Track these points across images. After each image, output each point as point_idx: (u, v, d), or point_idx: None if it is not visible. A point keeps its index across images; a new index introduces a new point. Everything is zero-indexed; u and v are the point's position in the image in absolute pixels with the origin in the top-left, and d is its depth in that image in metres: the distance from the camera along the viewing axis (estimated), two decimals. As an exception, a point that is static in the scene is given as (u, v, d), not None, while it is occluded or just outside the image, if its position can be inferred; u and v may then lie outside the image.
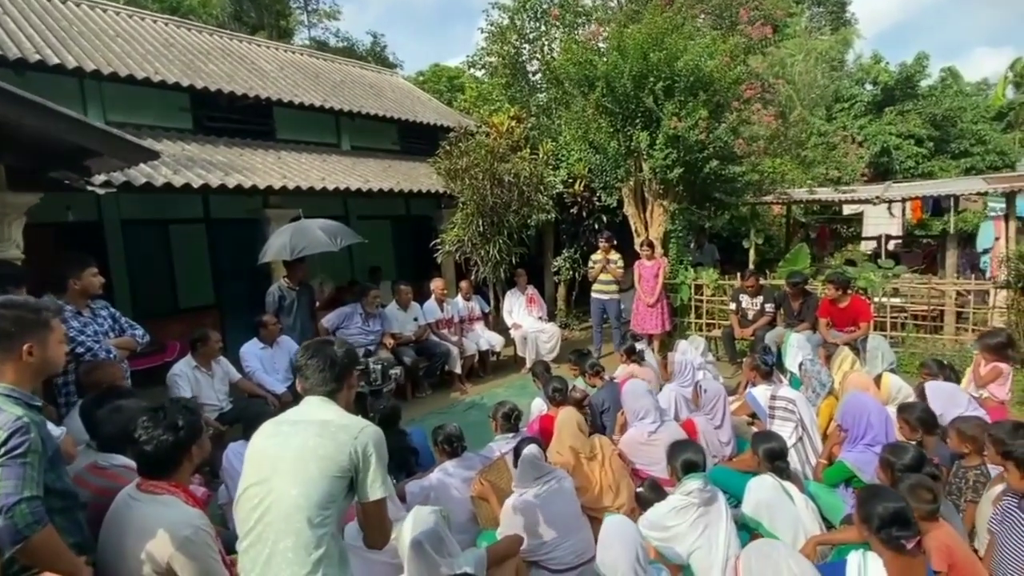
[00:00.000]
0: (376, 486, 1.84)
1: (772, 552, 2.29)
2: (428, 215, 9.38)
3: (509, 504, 3.10)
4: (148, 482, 2.23)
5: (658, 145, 7.00)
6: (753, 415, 4.61)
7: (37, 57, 6.73)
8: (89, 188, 5.27)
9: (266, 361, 5.56)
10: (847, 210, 14.37)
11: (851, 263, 8.88)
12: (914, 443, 3.24)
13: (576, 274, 9.27)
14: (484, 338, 7.40)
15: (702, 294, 7.67)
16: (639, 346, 5.76)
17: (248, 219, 7.54)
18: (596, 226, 8.75)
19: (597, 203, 8.71)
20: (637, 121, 7.23)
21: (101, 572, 2.16)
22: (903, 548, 2.26)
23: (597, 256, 7.56)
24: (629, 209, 7.97)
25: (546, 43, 9.63)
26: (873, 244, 13.00)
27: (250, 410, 4.74)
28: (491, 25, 10.24)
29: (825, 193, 11.17)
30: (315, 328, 6.35)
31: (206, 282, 8.96)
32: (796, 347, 5.32)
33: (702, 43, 7.05)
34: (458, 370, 6.93)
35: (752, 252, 11.28)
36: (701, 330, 7.62)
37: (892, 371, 4.81)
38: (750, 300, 6.69)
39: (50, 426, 2.26)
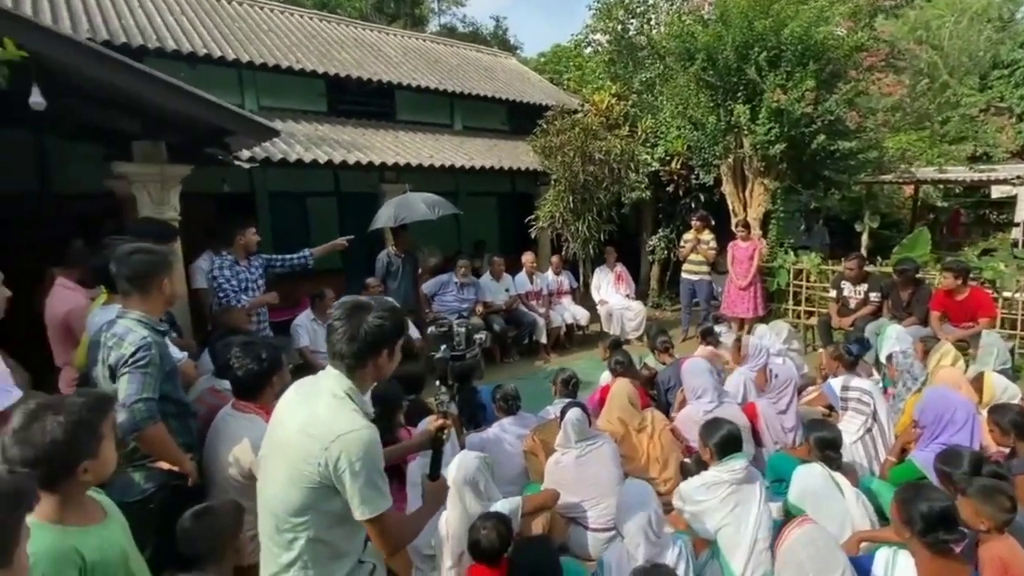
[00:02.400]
0: (358, 504, 1.51)
1: (817, 539, 2.21)
2: (530, 192, 9.56)
3: (551, 461, 3.25)
4: (240, 402, 2.68)
5: (760, 119, 6.55)
6: (830, 406, 4.31)
7: (205, 51, 7.73)
8: (236, 163, 6.09)
9: (371, 319, 6.10)
10: (996, 193, 12.28)
11: (989, 252, 7.73)
12: (1007, 449, 2.90)
13: (671, 254, 8.98)
14: (570, 312, 7.48)
15: (803, 279, 7.12)
16: (720, 329, 5.56)
17: (369, 193, 8.20)
18: (692, 205, 8.39)
19: (694, 181, 8.33)
20: (739, 95, 6.80)
21: (203, 471, 2.63)
22: (949, 552, 2.08)
23: (689, 236, 7.30)
24: (727, 187, 7.57)
25: (652, 17, 9.25)
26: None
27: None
28: (599, 1, 10.00)
29: (958, 172, 9.67)
30: (417, 293, 6.83)
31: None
32: (893, 339, 4.83)
33: (815, 7, 6.40)
34: (544, 340, 7.11)
35: (865, 236, 10.12)
36: (799, 317, 7.10)
37: (1004, 372, 4.24)
38: (852, 288, 6.11)
39: (173, 350, 2.76)
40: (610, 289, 7.71)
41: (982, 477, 2.40)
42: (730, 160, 7.33)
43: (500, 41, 22.90)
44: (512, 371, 6.72)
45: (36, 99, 3.55)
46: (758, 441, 3.88)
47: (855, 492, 2.85)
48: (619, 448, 3.56)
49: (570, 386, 3.96)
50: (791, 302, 7.23)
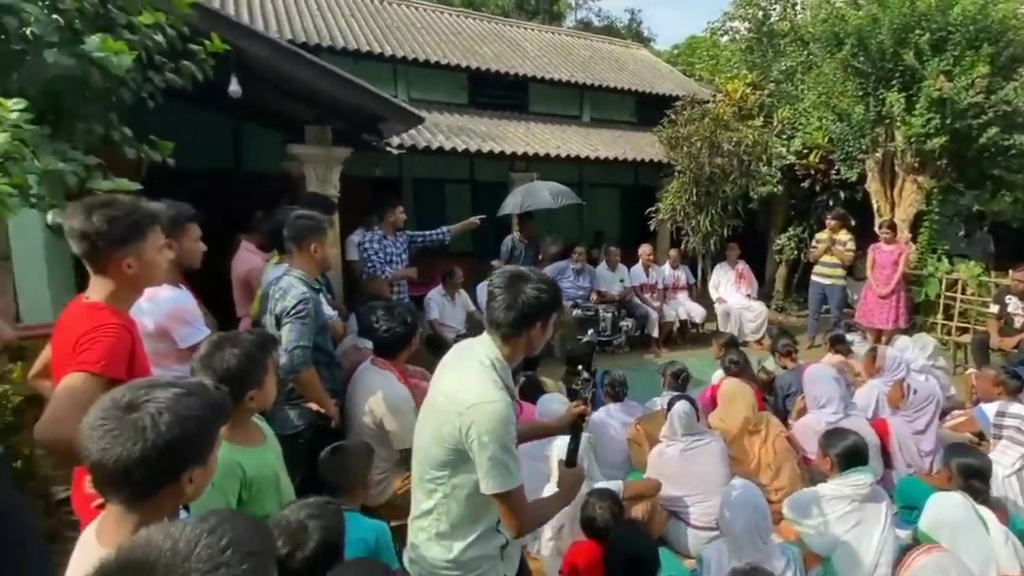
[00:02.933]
0: (483, 475, 1.45)
1: (949, 568, 1.94)
2: (653, 185, 9.21)
3: (655, 451, 3.14)
4: (378, 359, 2.89)
5: (917, 109, 5.68)
6: (980, 434, 3.71)
7: (367, 48, 8.33)
8: (388, 148, 6.52)
9: (495, 299, 6.27)
10: None
11: None
12: None
13: (802, 255, 8.18)
14: (685, 307, 7.13)
15: (957, 291, 6.13)
16: (853, 337, 4.99)
17: (499, 182, 8.41)
18: (830, 202, 7.54)
19: (834, 177, 7.46)
20: (892, 82, 5.95)
21: (344, 416, 2.89)
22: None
23: (823, 235, 6.58)
24: (872, 185, 6.70)
25: (798, 1, 8.37)
26: None
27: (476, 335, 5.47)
28: (740, -13, 9.27)
29: None
30: (537, 277, 6.89)
31: (468, 232, 10.26)
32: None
33: (996, -20, 5.42)
34: (655, 334, 6.86)
35: None
36: (949, 334, 6.15)
37: None
38: (1019, 303, 5.17)
39: (325, 308, 3.04)
40: (730, 287, 7.23)
41: None
42: (878, 155, 6.47)
43: (634, 34, 22.13)
44: (622, 361, 6.56)
45: (234, 88, 4.06)
46: (887, 462, 3.45)
47: (1004, 531, 2.43)
48: (728, 449, 3.36)
49: (680, 379, 3.79)
50: (940, 316, 6.27)
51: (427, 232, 5.31)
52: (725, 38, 10.43)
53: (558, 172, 8.83)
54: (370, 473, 2.17)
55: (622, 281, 6.98)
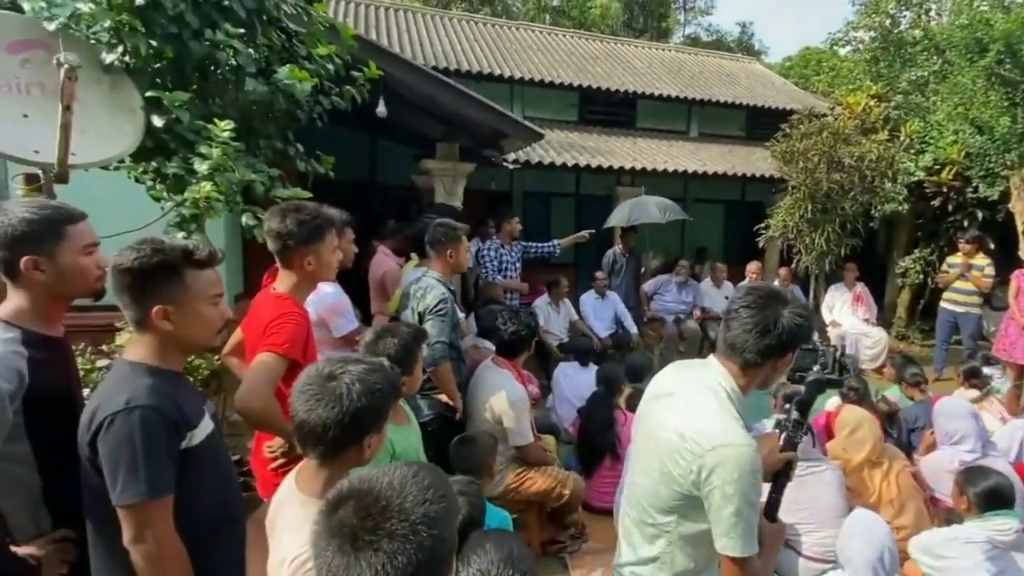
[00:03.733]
0: (720, 534, 1.22)
1: None
2: (761, 201, 8.67)
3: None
4: (499, 358, 2.99)
5: (1074, 122, 4.87)
6: None
7: (488, 70, 8.64)
8: (505, 164, 6.71)
9: (597, 309, 6.20)
10: None
11: None
12: None
13: (928, 279, 7.27)
14: (794, 327, 6.62)
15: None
16: (991, 371, 4.37)
17: (604, 196, 8.36)
18: (965, 223, 6.61)
19: (971, 195, 6.55)
20: (1045, 91, 5.14)
21: (466, 409, 3.00)
22: None
23: (956, 259, 5.81)
24: (1017, 204, 5.82)
25: (934, 6, 7.47)
26: None
27: (577, 343, 5.44)
28: (865, -5, 8.44)
29: None
30: (637, 291, 6.76)
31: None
32: None
33: None
34: (759, 351, 6.45)
35: None
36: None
37: None
38: None
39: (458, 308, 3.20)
40: (846, 310, 6.60)
41: None
42: (1024, 171, 5.63)
43: (745, 47, 20.98)
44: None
45: (382, 109, 4.41)
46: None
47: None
48: (847, 480, 3.08)
49: (792, 402, 3.52)
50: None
51: (539, 244, 5.41)
52: (847, 49, 9.55)
53: (663, 186, 8.59)
54: (494, 463, 2.24)
55: (727, 298, 6.63)
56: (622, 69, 10.06)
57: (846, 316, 6.52)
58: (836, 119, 6.92)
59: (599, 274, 6.30)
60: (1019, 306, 5.32)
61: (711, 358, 1.38)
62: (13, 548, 1.31)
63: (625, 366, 4.27)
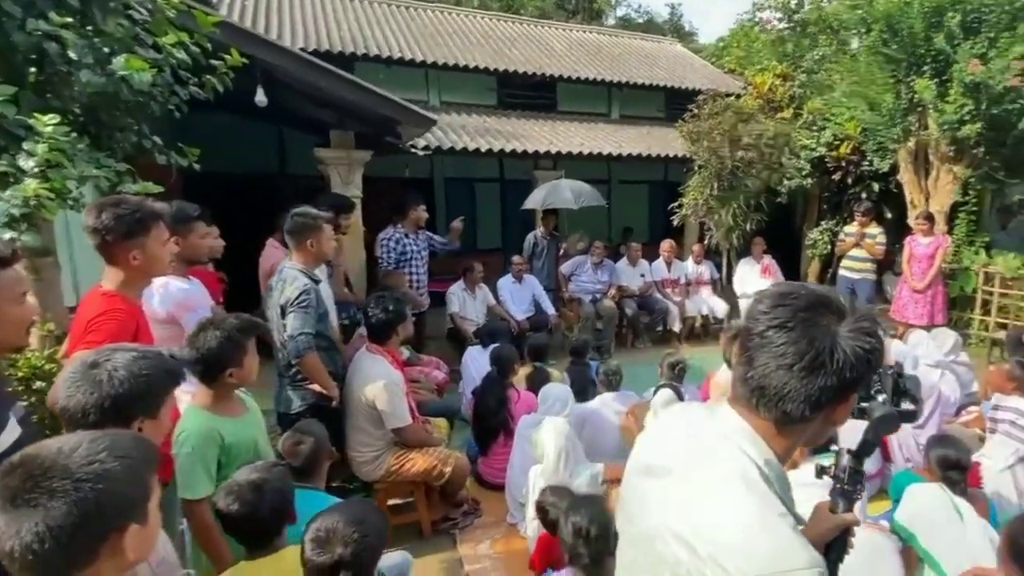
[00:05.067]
0: None
1: (865, 545, 1.96)
2: (682, 180, 9.11)
3: (640, 437, 3.20)
4: (371, 344, 3.10)
5: (950, 96, 5.42)
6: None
7: (399, 55, 8.63)
8: (413, 150, 6.77)
9: (514, 293, 6.40)
10: None
11: None
12: None
13: (834, 249, 7.89)
14: (708, 303, 7.05)
15: (995, 284, 5.78)
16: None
17: (527, 180, 8.55)
18: (863, 195, 7.23)
19: (866, 168, 7.15)
20: (924, 68, 5.69)
21: (344, 397, 3.10)
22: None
23: (851, 228, 6.35)
24: (905, 175, 6.42)
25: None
26: None
27: (488, 326, 5.61)
28: (769, -25, 8.99)
29: None
30: (557, 273, 7.00)
31: (496, 229, 10.48)
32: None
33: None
34: (676, 328, 6.83)
35: None
36: (987, 329, 5.82)
37: None
38: (1061, 299, 4.86)
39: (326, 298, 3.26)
40: (755, 282, 7.07)
41: None
42: (911, 144, 6.19)
43: (675, 28, 21.69)
44: (641, 356, 6.58)
45: (260, 97, 4.39)
46: (886, 456, 3.37)
47: (982, 524, 2.37)
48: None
49: (676, 370, 3.82)
50: (978, 311, 5.94)
51: (439, 240, 5.52)
52: (757, 29, 10.12)
53: (586, 169, 8.87)
54: (325, 454, 2.23)
55: (643, 276, 6.98)
56: (541, 52, 10.26)
57: (756, 288, 6.96)
58: (742, 99, 7.36)
59: (516, 258, 6.48)
60: (910, 270, 5.88)
61: (726, 409, 0.91)
62: None
63: (528, 346, 4.46)
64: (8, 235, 2.45)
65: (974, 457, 2.98)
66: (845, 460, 1.11)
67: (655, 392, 3.18)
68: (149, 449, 0.95)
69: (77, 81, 2.75)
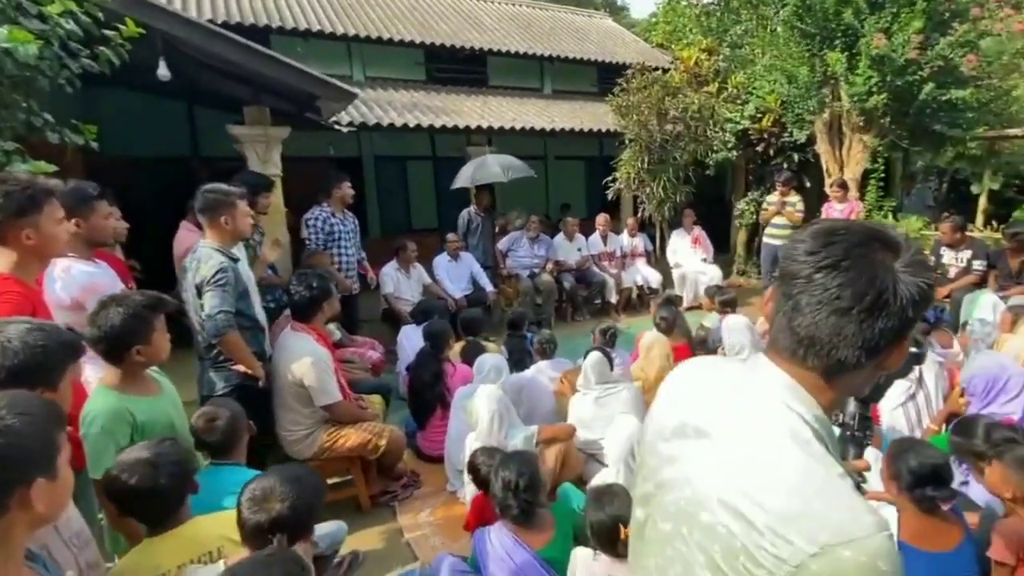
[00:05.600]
0: None
1: None
2: (615, 155, 9.40)
3: (573, 399, 3.41)
4: (296, 323, 3.11)
5: (859, 69, 5.88)
6: (892, 374, 3.97)
7: (318, 27, 8.38)
8: (337, 127, 6.64)
9: (451, 271, 6.46)
10: None
11: None
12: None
13: (759, 218, 8.43)
14: (643, 274, 7.39)
15: (900, 246, 6.38)
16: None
17: (460, 157, 8.56)
18: (784, 165, 7.75)
19: (786, 140, 7.65)
20: (836, 42, 6.14)
21: (271, 377, 3.09)
22: (936, 509, 1.99)
23: (772, 198, 6.82)
24: (822, 146, 6.93)
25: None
26: None
27: (421, 304, 5.64)
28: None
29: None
30: (493, 250, 7.11)
31: (432, 208, 10.45)
32: (988, 307, 4.30)
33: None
34: (613, 300, 7.13)
35: (983, 199, 8.65)
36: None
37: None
38: (953, 255, 5.44)
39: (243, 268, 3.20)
40: (687, 252, 7.48)
41: (1020, 445, 2.19)
42: (825, 115, 6.68)
43: (607, 3, 22.02)
44: (582, 328, 6.82)
45: (163, 71, 4.20)
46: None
47: (876, 455, 2.70)
48: (647, 396, 3.62)
49: (607, 335, 4.04)
50: (886, 270, 6.53)
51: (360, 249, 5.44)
52: (683, 3, 10.49)
53: (521, 145, 8.99)
54: (242, 428, 2.25)
55: (580, 250, 7.21)
56: (470, 26, 10.23)
57: (687, 258, 7.38)
58: (665, 73, 7.65)
59: (451, 236, 6.54)
60: (823, 234, 6.37)
61: (763, 361, 0.85)
62: None
63: (460, 320, 4.56)
64: None
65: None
66: (852, 407, 1.11)
67: (584, 356, 3.36)
68: (52, 407, 0.99)
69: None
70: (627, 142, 7.11)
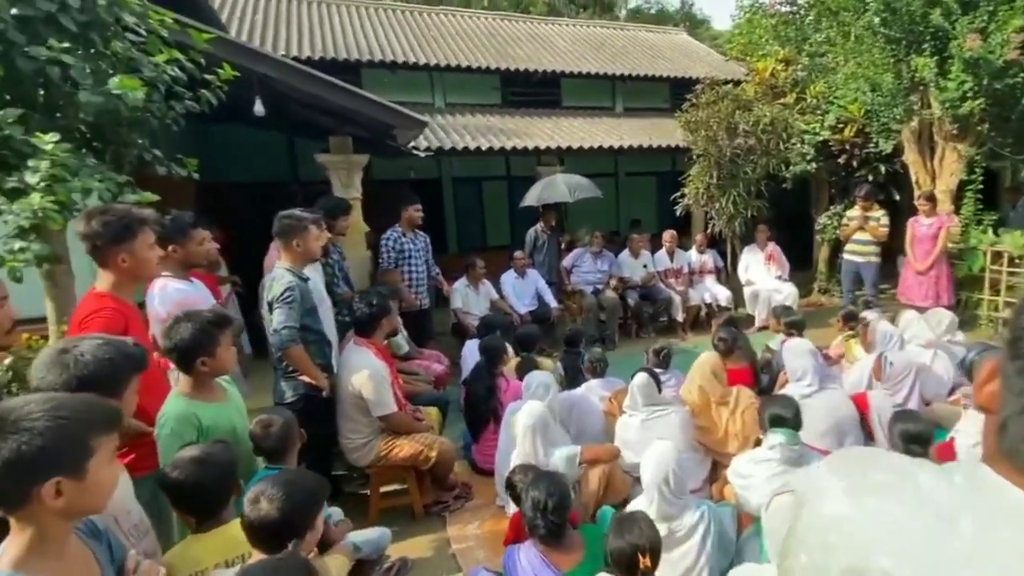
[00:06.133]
0: None
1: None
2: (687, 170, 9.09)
3: (620, 421, 3.31)
4: (357, 338, 3.27)
5: (951, 73, 5.31)
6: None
7: (403, 59, 8.83)
8: (415, 152, 6.93)
9: (517, 288, 6.52)
10: None
11: None
12: None
13: (840, 234, 7.76)
14: (711, 291, 7.04)
15: (1003, 264, 5.64)
16: (871, 315, 4.78)
17: (531, 176, 8.65)
18: (869, 177, 7.10)
19: (872, 150, 6.99)
20: (924, 46, 5.57)
21: (335, 388, 3.25)
22: None
23: (853, 212, 6.27)
24: (910, 156, 6.29)
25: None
26: None
27: (486, 319, 5.72)
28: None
29: None
30: (559, 266, 7.08)
31: (505, 226, 10.61)
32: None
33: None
34: (680, 318, 6.85)
35: None
36: (996, 309, 5.68)
37: None
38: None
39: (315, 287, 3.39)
40: (760, 269, 7.04)
41: None
42: (914, 124, 6.06)
43: (687, 17, 21.43)
44: (644, 345, 6.57)
45: (258, 108, 4.60)
46: (869, 435, 3.37)
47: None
48: (697, 420, 3.44)
49: (661, 356, 3.89)
50: (987, 291, 5.80)
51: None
52: (760, 14, 9.96)
53: (592, 163, 8.92)
54: (294, 435, 2.36)
55: (645, 267, 7.01)
56: (545, 49, 10.34)
57: (760, 275, 6.94)
58: (741, 86, 7.30)
59: (518, 254, 6.60)
60: (913, 252, 5.80)
61: (990, 477, 0.55)
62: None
63: (516, 336, 4.58)
64: (18, 245, 2.70)
65: (952, 432, 2.99)
66: None
67: (632, 376, 3.26)
68: (96, 412, 1.10)
69: (78, 101, 2.98)
70: (695, 157, 6.85)
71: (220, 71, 3.57)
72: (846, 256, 6.39)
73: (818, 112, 7.23)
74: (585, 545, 2.21)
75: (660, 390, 3.28)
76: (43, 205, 2.61)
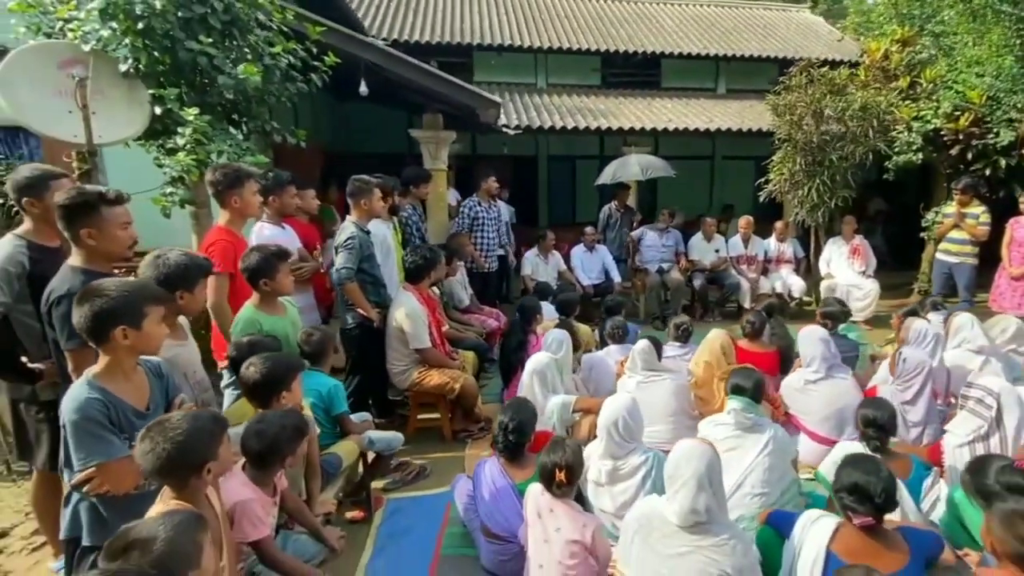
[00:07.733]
0: None
1: None
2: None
3: (620, 381, 3.53)
4: (406, 284, 3.83)
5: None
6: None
7: (510, 42, 9.19)
8: (504, 129, 7.32)
9: (585, 261, 6.75)
10: None
11: None
12: None
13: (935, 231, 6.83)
14: (785, 281, 6.67)
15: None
16: (936, 316, 4.37)
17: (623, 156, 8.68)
18: (987, 172, 6.14)
19: (990, 141, 6.05)
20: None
21: (386, 323, 3.85)
22: (870, 527, 1.84)
23: (949, 208, 5.58)
24: (1030, 149, 5.42)
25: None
26: None
27: (562, 290, 5.90)
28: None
29: None
30: (628, 245, 7.14)
31: (595, 203, 10.67)
32: None
33: None
34: (747, 305, 6.61)
35: None
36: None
37: None
38: None
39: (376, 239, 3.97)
40: (842, 263, 6.53)
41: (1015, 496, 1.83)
42: (1040, 114, 5.21)
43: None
44: (707, 328, 6.49)
45: (363, 89, 5.28)
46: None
47: (899, 484, 2.37)
48: (699, 391, 3.56)
49: (680, 330, 3.99)
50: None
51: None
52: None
53: (687, 146, 8.72)
54: (330, 345, 2.98)
55: (717, 251, 6.84)
56: (649, 30, 10.08)
57: (842, 269, 6.45)
58: (853, 67, 6.66)
59: (588, 229, 6.81)
60: (1008, 255, 5.10)
61: None
62: (29, 364, 2.28)
63: (557, 301, 4.88)
64: (169, 190, 3.57)
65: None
66: None
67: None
68: (148, 290, 1.69)
69: (217, 83, 3.77)
70: (779, 142, 6.47)
71: (326, 58, 4.24)
72: (938, 255, 5.75)
73: (933, 98, 6.40)
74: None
75: (660, 358, 3.44)
76: (186, 161, 3.44)
